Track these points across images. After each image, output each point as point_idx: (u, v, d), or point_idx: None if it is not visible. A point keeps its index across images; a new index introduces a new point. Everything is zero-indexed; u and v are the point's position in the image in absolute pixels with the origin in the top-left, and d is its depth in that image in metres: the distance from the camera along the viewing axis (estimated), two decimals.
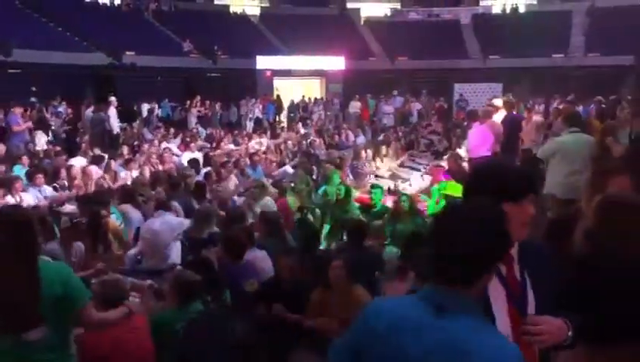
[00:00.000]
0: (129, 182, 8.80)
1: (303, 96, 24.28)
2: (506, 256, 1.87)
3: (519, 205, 1.82)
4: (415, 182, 10.77)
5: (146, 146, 12.69)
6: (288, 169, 10.86)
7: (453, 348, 1.47)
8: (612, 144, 5.65)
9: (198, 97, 20.57)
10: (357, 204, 7.88)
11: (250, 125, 20.11)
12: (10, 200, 7.12)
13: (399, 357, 1.54)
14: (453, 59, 25.97)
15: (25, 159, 10.28)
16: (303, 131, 15.93)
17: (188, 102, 20.44)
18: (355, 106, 21.86)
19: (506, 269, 1.87)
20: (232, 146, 12.98)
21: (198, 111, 20.05)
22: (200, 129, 17.73)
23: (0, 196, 7.25)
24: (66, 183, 8.62)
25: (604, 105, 14.63)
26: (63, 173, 8.66)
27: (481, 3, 31.07)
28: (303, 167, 10.12)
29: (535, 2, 30.36)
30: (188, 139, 13.96)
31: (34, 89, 18.76)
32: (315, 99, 24.34)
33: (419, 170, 11.87)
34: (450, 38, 27.92)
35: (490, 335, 1.52)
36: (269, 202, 7.44)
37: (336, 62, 25.50)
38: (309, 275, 4.65)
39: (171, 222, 6.03)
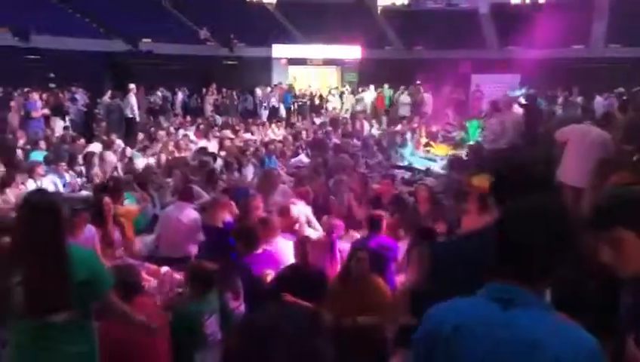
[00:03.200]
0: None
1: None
2: None
3: None
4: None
5: (161, 133, 12.72)
6: (303, 158, 10.83)
7: (522, 341, 1.45)
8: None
9: (214, 85, 20.60)
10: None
11: (265, 114, 20.11)
12: (31, 185, 7.20)
13: (466, 356, 1.52)
14: (470, 49, 25.67)
15: (42, 145, 10.39)
16: (317, 121, 15.88)
17: (204, 89, 20.48)
18: (370, 96, 21.74)
19: None
20: (248, 135, 12.98)
21: (215, 99, 20.08)
22: (216, 117, 17.78)
23: (20, 181, 7.33)
24: (83, 170, 8.69)
25: (625, 98, 14.42)
26: (80, 159, 8.73)
27: None
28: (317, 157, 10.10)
29: None
30: (203, 127, 14.01)
31: (52, 75, 18.93)
32: (330, 88, 24.24)
33: (435, 161, 11.78)
34: (468, 27, 27.56)
35: (563, 328, 1.49)
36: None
37: (352, 51, 25.35)
38: None
39: (189, 216, 6.05)
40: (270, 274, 4.60)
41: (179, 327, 3.65)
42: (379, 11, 30.08)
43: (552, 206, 1.58)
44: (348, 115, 18.51)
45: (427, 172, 10.50)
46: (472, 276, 1.63)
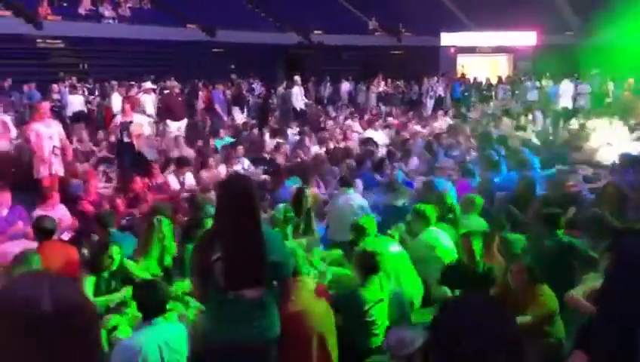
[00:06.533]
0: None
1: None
2: None
3: None
4: None
5: (329, 123, 13.17)
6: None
7: None
8: None
9: (380, 75, 20.76)
10: None
11: (430, 103, 19.80)
12: (221, 169, 7.89)
13: None
14: None
15: (223, 132, 11.30)
16: (488, 110, 15.28)
17: (370, 79, 20.73)
18: (547, 85, 20.32)
19: None
20: (417, 127, 12.90)
21: (381, 90, 20.25)
22: (381, 107, 17.91)
23: (211, 165, 8.04)
24: (267, 156, 9.32)
25: None
26: (267, 146, 9.39)
27: None
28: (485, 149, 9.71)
29: None
30: (367, 117, 14.20)
31: (233, 67, 20.53)
32: (500, 77, 23.11)
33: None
34: None
35: None
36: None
37: (526, 38, 23.92)
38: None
39: (354, 203, 6.21)
40: None
41: (341, 310, 3.77)
42: None
43: None
44: (520, 106, 17.51)
45: (612, 169, 9.57)
46: None
